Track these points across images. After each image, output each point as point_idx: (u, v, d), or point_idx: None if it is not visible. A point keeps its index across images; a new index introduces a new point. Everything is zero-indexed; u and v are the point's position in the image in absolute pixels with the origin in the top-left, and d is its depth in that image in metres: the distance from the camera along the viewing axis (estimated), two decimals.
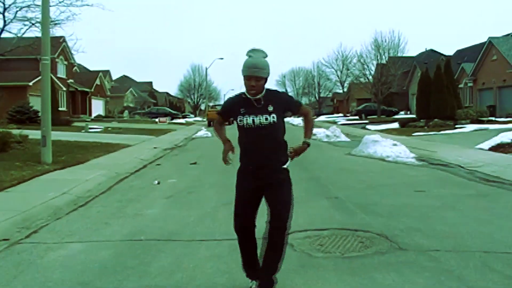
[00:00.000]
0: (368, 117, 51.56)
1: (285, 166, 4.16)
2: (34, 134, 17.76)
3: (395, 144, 15.75)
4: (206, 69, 78.47)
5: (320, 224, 6.62)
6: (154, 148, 19.61)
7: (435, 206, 7.84)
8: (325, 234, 6.16)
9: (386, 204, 8.02)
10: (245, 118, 4.01)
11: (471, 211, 7.46)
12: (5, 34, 18.09)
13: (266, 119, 3.97)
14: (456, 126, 26.77)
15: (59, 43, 36.41)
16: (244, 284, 4.37)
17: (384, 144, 15.72)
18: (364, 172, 12.08)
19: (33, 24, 17.74)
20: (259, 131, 4.00)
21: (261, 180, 4.06)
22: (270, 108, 4.00)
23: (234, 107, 4.11)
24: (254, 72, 3.94)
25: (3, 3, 17.44)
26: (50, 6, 14.56)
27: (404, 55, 56.45)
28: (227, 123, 4.42)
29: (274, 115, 4.00)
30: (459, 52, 55.33)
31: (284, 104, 4.12)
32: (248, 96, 4.05)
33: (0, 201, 8.25)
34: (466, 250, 5.38)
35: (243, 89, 4.12)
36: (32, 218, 7.15)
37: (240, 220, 4.17)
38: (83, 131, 28.98)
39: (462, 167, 12.54)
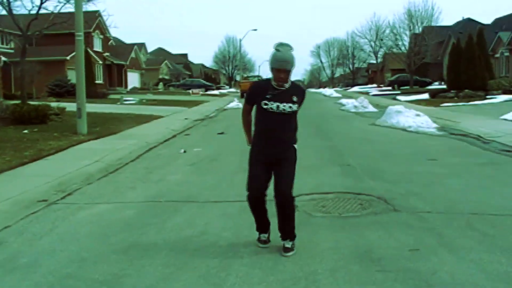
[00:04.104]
0: (401, 87, 51.16)
1: (295, 145, 4.67)
2: (71, 106, 18.58)
3: (418, 115, 16.03)
4: (240, 40, 78.86)
5: (328, 188, 7.16)
6: (185, 119, 20.32)
7: (442, 174, 8.25)
8: (329, 197, 6.70)
9: (394, 172, 8.48)
10: (270, 103, 4.43)
11: (475, 179, 7.85)
12: (42, 11, 18.99)
13: (290, 107, 4.45)
14: (487, 96, 26.57)
15: (94, 17, 37.40)
16: (246, 238, 4.99)
17: (407, 115, 16.01)
18: (383, 142, 12.48)
19: (67, 1, 18.54)
20: (280, 117, 4.47)
21: (273, 156, 4.57)
22: (295, 99, 4.49)
23: (261, 92, 4.49)
24: (284, 66, 4.37)
25: None
26: None
27: (439, 24, 55.44)
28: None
29: (297, 105, 4.53)
30: (497, 21, 53.78)
31: (302, 99, 4.63)
32: (276, 85, 4.47)
33: (39, 168, 9.09)
34: (455, 212, 5.83)
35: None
36: (67, 183, 7.92)
37: (253, 191, 4.64)
38: (118, 103, 29.90)
39: (481, 137, 12.76)
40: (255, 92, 4.57)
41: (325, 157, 10.07)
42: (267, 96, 4.44)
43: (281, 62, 4.37)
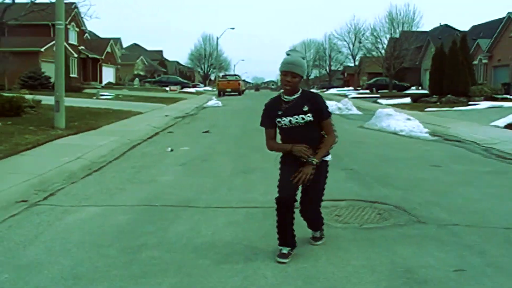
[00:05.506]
0: (379, 91, 51.09)
1: (326, 159, 4.33)
2: (46, 99, 17.74)
3: (408, 119, 15.56)
4: (217, 38, 78.08)
5: (338, 195, 6.53)
6: (166, 116, 19.56)
7: (452, 182, 7.73)
8: (342, 204, 6.12)
9: (402, 178, 7.95)
10: (282, 119, 4.20)
11: (489, 188, 7.32)
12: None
13: (303, 118, 4.14)
14: (470, 103, 26.39)
15: (70, 9, 36.15)
16: (262, 251, 4.36)
17: (398, 118, 15.54)
18: (378, 145, 11.98)
19: None
20: (298, 129, 4.18)
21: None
22: (305, 108, 4.14)
23: (272, 110, 4.29)
24: (290, 68, 4.12)
25: None
26: None
27: (418, 29, 55.61)
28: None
29: (310, 115, 4.13)
30: (474, 28, 54.35)
31: (317, 106, 4.19)
32: (284, 97, 4.23)
33: (16, 164, 8.29)
34: (487, 226, 5.29)
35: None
36: (48, 181, 7.18)
37: (284, 192, 4.21)
38: (94, 97, 28.92)
39: (477, 143, 12.38)
40: (267, 113, 4.36)
41: None
42: (278, 113, 4.23)
43: (287, 64, 4.15)
